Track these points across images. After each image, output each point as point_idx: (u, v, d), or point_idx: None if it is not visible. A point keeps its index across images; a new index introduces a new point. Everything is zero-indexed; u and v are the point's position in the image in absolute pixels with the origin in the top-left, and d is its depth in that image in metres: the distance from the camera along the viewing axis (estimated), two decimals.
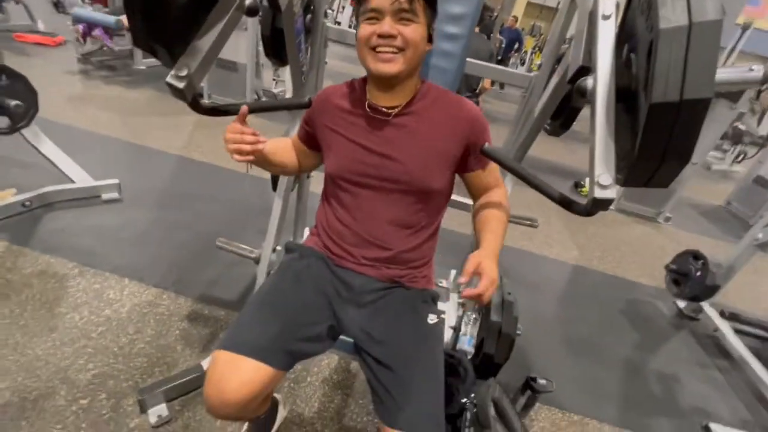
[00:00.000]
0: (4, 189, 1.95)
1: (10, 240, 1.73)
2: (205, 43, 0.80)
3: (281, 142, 1.04)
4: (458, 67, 1.15)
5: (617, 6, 0.88)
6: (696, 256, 2.19)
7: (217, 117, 0.94)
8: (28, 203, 1.90)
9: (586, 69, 0.90)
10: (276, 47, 1.32)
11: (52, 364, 1.28)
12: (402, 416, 0.78)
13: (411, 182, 0.90)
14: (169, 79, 0.78)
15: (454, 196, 1.80)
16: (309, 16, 1.38)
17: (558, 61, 1.31)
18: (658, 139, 0.64)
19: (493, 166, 0.95)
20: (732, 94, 3.10)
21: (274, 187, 1.59)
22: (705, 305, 2.22)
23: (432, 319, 0.93)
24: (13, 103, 1.59)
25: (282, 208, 1.55)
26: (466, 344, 1.41)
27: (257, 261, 1.57)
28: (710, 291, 2.10)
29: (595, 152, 0.74)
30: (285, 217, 1.58)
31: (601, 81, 0.78)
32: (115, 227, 1.96)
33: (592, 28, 0.85)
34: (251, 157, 0.83)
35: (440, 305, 1.76)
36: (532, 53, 10.16)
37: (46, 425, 1.12)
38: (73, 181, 2.07)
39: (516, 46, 8.88)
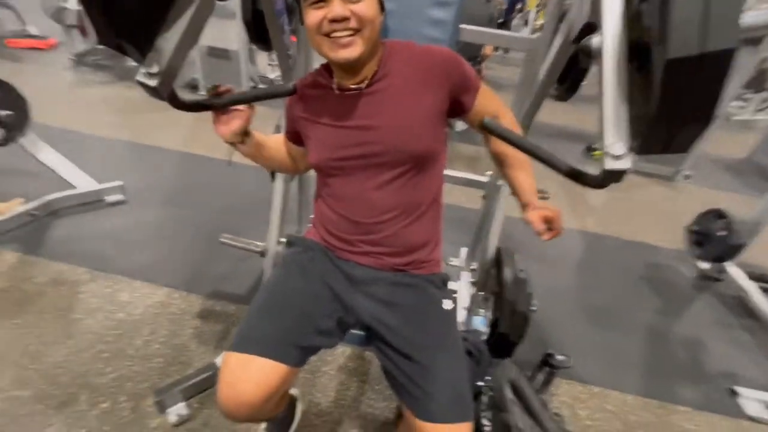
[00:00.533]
0: (11, 199, 1.96)
1: (21, 250, 1.75)
2: (174, 34, 0.75)
3: (273, 137, 1.00)
4: (452, 36, 1.06)
5: None
6: (719, 214, 2.09)
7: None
8: (35, 212, 1.91)
9: (593, 26, 0.82)
10: (259, 31, 1.25)
11: (72, 371, 1.30)
12: (436, 408, 0.77)
13: (396, 149, 0.83)
14: (139, 77, 0.73)
15: (456, 172, 1.75)
16: None
17: (561, 20, 1.21)
18: (677, 100, 0.57)
19: (489, 95, 0.89)
20: (754, 37, 2.89)
21: (273, 177, 1.55)
22: (728, 265, 2.14)
23: (447, 304, 0.89)
24: (4, 113, 1.57)
25: (282, 199, 1.51)
26: (481, 324, 1.38)
27: (263, 254, 1.55)
28: (735, 250, 2.01)
29: (605, 118, 0.67)
30: (287, 208, 1.54)
31: (609, 38, 0.70)
32: (122, 229, 1.96)
33: None
34: (235, 128, 0.84)
35: (452, 285, 1.74)
36: (536, 13, 9.66)
37: (70, 431, 1.14)
38: (75, 187, 2.07)
39: (519, 6, 8.46)
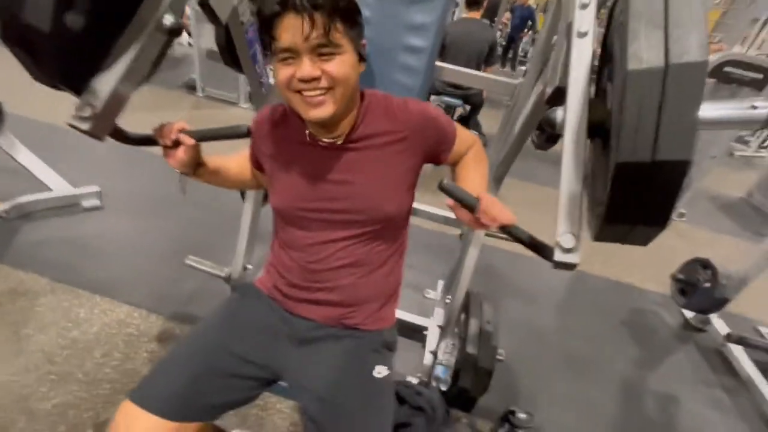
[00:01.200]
0: None
1: None
2: (113, 74, 0.70)
3: (235, 159, 0.94)
4: (423, 84, 1.02)
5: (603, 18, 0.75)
6: (705, 265, 2.04)
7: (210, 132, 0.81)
8: (5, 213, 1.87)
9: (563, 91, 0.78)
10: (234, 56, 1.20)
11: (15, 393, 1.25)
12: None
13: (365, 210, 0.81)
14: (70, 120, 0.68)
15: (432, 208, 1.70)
16: None
17: (545, 67, 1.16)
18: (626, 202, 0.52)
19: (462, 136, 0.85)
20: (756, 81, 2.85)
21: (243, 197, 1.51)
22: (713, 317, 2.08)
23: (379, 372, 0.84)
24: None
25: (251, 224, 1.47)
26: (442, 374, 1.33)
27: (228, 280, 1.51)
28: (719, 304, 1.95)
29: (560, 204, 0.62)
30: (255, 231, 1.50)
31: (572, 113, 0.65)
32: (93, 237, 1.91)
33: (568, 46, 0.72)
34: (182, 160, 0.78)
35: (424, 321, 1.69)
36: None
37: None
38: (50, 189, 2.03)
39: (529, 24, 8.45)
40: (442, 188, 0.75)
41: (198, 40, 3.62)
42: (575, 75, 0.66)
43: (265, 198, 1.58)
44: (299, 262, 0.85)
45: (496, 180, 1.24)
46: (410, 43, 0.95)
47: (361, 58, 0.74)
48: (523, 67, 8.36)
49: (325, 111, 0.70)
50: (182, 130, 0.77)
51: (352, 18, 0.69)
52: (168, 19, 0.74)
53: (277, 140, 0.83)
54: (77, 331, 1.47)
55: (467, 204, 0.73)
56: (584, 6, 0.70)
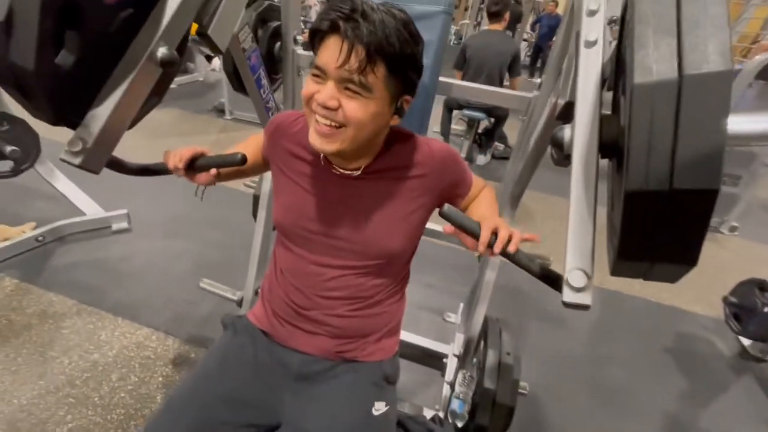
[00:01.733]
0: (25, 222, 2.05)
1: (20, 277, 1.80)
2: (105, 108, 0.71)
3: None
4: (425, 103, 0.97)
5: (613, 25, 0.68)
6: (762, 286, 1.82)
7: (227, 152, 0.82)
8: (41, 238, 1.97)
9: (573, 106, 0.70)
10: (242, 82, 1.22)
11: (34, 416, 1.28)
12: None
13: (365, 244, 0.77)
14: (62, 155, 0.69)
15: None
16: (278, 44, 1.27)
17: None
18: (642, 237, 0.45)
19: (476, 182, 0.83)
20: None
21: (255, 214, 1.50)
22: None
23: (378, 409, 0.77)
24: (9, 148, 1.64)
25: (262, 246, 1.46)
26: (458, 408, 1.24)
27: (240, 304, 1.50)
28: None
29: (569, 234, 0.55)
30: (266, 255, 1.49)
31: (580, 131, 0.58)
32: (120, 259, 1.98)
33: (576, 57, 0.66)
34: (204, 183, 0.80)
35: (443, 347, 1.60)
36: None
37: None
38: (84, 213, 2.13)
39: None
40: (443, 214, 0.70)
41: None
42: (583, 88, 0.60)
43: None
44: (296, 285, 0.81)
45: (513, 199, 1.16)
46: None
47: (398, 112, 0.70)
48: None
49: (328, 146, 0.66)
50: (193, 159, 0.77)
51: (401, 69, 0.64)
52: (161, 51, 0.74)
53: (290, 152, 0.80)
54: (98, 353, 1.50)
55: (468, 230, 0.68)
56: (592, 13, 0.63)
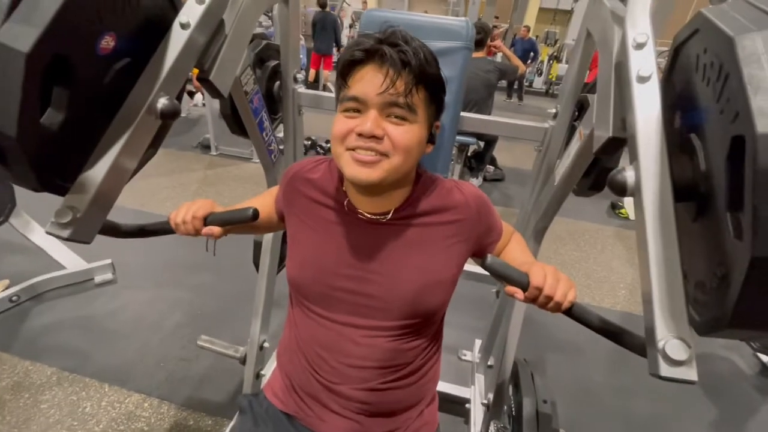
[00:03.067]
0: None
1: None
2: (98, 171, 0.62)
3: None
4: (447, 142, 0.91)
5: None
6: None
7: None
8: (15, 297, 1.80)
9: (619, 140, 0.65)
10: (241, 125, 1.14)
11: None
12: None
13: (403, 306, 0.68)
14: (49, 228, 0.59)
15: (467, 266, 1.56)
16: (277, 83, 1.20)
17: (579, 108, 1.05)
18: (765, 304, 0.38)
19: (505, 226, 0.78)
20: None
21: (258, 267, 1.40)
22: None
23: None
24: None
25: (266, 298, 1.34)
26: None
27: (243, 362, 1.37)
28: None
29: (653, 297, 0.47)
30: (270, 306, 1.37)
31: (649, 174, 0.52)
32: (105, 315, 1.82)
33: (624, 91, 0.61)
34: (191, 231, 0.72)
35: (463, 391, 1.49)
36: (549, 62, 9.83)
37: None
38: (64, 267, 1.97)
39: (531, 55, 8.58)
40: (487, 266, 0.62)
41: (211, 100, 3.71)
42: (644, 127, 0.54)
43: (281, 261, 1.47)
44: (319, 353, 0.71)
45: (538, 233, 1.10)
46: None
47: (431, 139, 0.67)
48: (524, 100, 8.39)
49: (372, 174, 0.60)
50: (205, 221, 0.71)
51: (436, 91, 0.63)
52: (162, 102, 0.66)
53: (308, 200, 0.72)
54: (83, 430, 1.33)
55: (515, 282, 0.61)
56: (640, 46, 0.59)
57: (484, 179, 3.91)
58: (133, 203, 2.77)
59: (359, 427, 0.70)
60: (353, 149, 0.60)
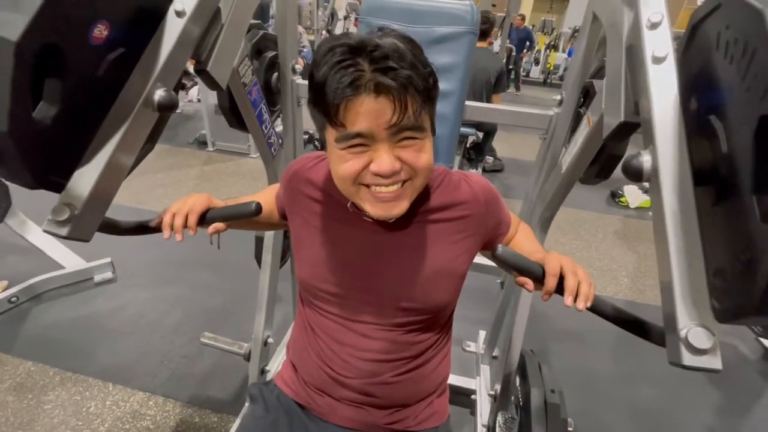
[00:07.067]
0: None
1: None
2: (95, 166, 0.59)
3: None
4: (452, 131, 0.89)
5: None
6: None
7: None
8: (15, 298, 1.78)
9: (631, 125, 0.64)
10: (239, 118, 1.11)
11: None
12: None
13: (414, 303, 0.67)
14: (46, 226, 0.57)
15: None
16: (276, 75, 1.18)
17: (584, 95, 1.03)
18: None
19: (513, 217, 0.76)
20: None
21: (260, 262, 1.38)
22: None
23: None
24: None
25: (269, 294, 1.33)
26: None
27: (247, 358, 1.36)
28: None
29: (673, 282, 0.46)
30: (274, 301, 1.36)
31: (667, 158, 0.50)
32: (106, 315, 1.80)
33: (637, 73, 0.59)
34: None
35: (469, 382, 1.49)
36: (546, 51, 9.75)
37: None
38: (63, 267, 1.95)
39: (527, 44, 8.51)
40: (498, 256, 0.61)
41: (206, 95, 3.66)
42: (661, 110, 0.52)
43: (283, 256, 1.46)
44: (332, 348, 0.70)
45: (544, 223, 1.08)
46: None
47: (433, 131, 0.61)
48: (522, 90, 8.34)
49: (398, 209, 0.57)
50: (205, 215, 0.68)
51: (434, 95, 0.57)
52: (159, 94, 0.64)
53: (311, 200, 0.70)
54: (88, 430, 1.32)
55: (528, 272, 0.59)
56: (654, 26, 0.57)
57: (484, 170, 3.89)
58: (129, 201, 2.73)
59: (369, 418, 0.70)
60: (368, 185, 0.56)
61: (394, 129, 0.52)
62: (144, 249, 2.26)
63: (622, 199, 3.47)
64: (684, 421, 1.56)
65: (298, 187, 0.71)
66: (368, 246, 0.67)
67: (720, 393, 1.69)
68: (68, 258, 1.99)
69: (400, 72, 0.49)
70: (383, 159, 0.52)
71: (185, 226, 0.66)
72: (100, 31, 0.57)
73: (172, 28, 0.65)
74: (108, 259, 2.02)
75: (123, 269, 2.06)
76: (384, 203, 0.56)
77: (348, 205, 0.67)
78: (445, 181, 0.69)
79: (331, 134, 0.54)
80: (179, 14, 0.66)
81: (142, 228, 0.77)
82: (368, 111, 0.50)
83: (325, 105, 0.51)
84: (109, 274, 2.01)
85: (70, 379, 1.49)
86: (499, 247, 0.60)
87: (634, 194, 3.45)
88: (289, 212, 0.74)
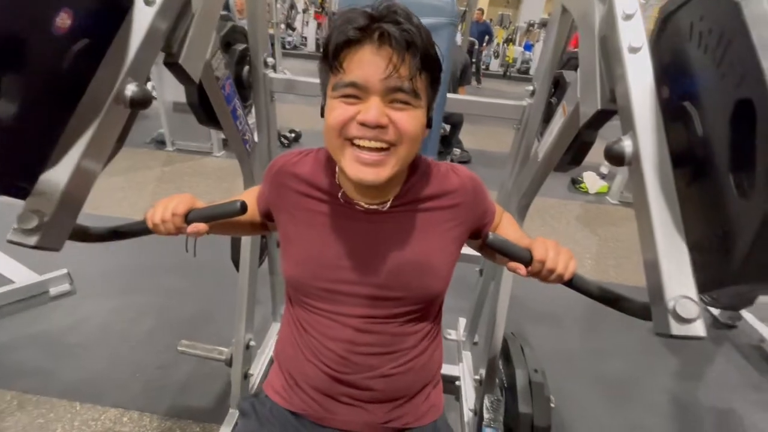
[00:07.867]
0: None
1: None
2: (65, 166, 0.55)
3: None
4: (435, 123, 0.90)
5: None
6: None
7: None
8: None
9: (607, 113, 0.67)
10: (210, 114, 1.06)
11: None
12: None
13: (409, 293, 0.67)
14: (11, 236, 0.52)
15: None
16: (247, 68, 1.13)
17: (556, 85, 1.07)
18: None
19: (498, 209, 0.78)
20: None
21: (237, 266, 1.34)
22: (743, 311, 2.00)
23: None
24: None
25: (249, 294, 1.29)
26: None
27: (229, 363, 1.31)
28: (748, 300, 1.87)
29: (658, 257, 0.49)
30: (254, 303, 1.32)
31: (647, 142, 0.53)
32: (66, 330, 1.68)
33: (612, 63, 0.62)
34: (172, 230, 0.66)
35: (452, 369, 1.53)
36: (504, 45, 10.03)
37: None
38: (12, 281, 1.79)
39: (486, 38, 8.72)
40: (489, 243, 0.63)
41: (162, 92, 3.46)
42: (639, 97, 0.55)
43: (260, 256, 1.42)
44: (327, 345, 0.68)
45: (521, 210, 1.12)
46: None
47: (428, 124, 0.63)
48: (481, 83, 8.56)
49: (380, 174, 0.57)
50: (187, 216, 0.65)
51: (436, 74, 0.59)
52: (131, 89, 0.60)
53: (298, 195, 0.68)
54: None
55: (518, 258, 0.62)
56: (629, 17, 0.60)
57: (452, 161, 3.96)
58: (85, 207, 2.54)
59: (370, 416, 0.69)
60: (355, 144, 0.56)
61: (388, 83, 0.53)
62: (104, 257, 2.12)
63: (582, 185, 3.66)
64: (648, 386, 1.68)
65: (285, 182, 0.69)
66: (360, 237, 0.66)
67: (677, 359, 1.84)
68: (18, 271, 1.83)
69: (405, 26, 0.52)
70: (371, 108, 0.54)
71: (172, 232, 0.63)
72: (63, 20, 0.53)
73: (141, 17, 0.61)
74: (64, 270, 1.87)
75: (82, 280, 1.92)
76: (366, 166, 0.56)
77: (339, 194, 0.66)
78: (434, 171, 0.70)
79: (330, 83, 0.57)
80: (148, 2, 0.61)
81: (116, 234, 0.72)
82: (368, 61, 0.53)
83: (330, 51, 0.55)
84: (66, 286, 1.87)
85: (31, 402, 1.37)
86: (491, 235, 0.62)
87: (592, 180, 3.65)
88: (274, 210, 0.72)
